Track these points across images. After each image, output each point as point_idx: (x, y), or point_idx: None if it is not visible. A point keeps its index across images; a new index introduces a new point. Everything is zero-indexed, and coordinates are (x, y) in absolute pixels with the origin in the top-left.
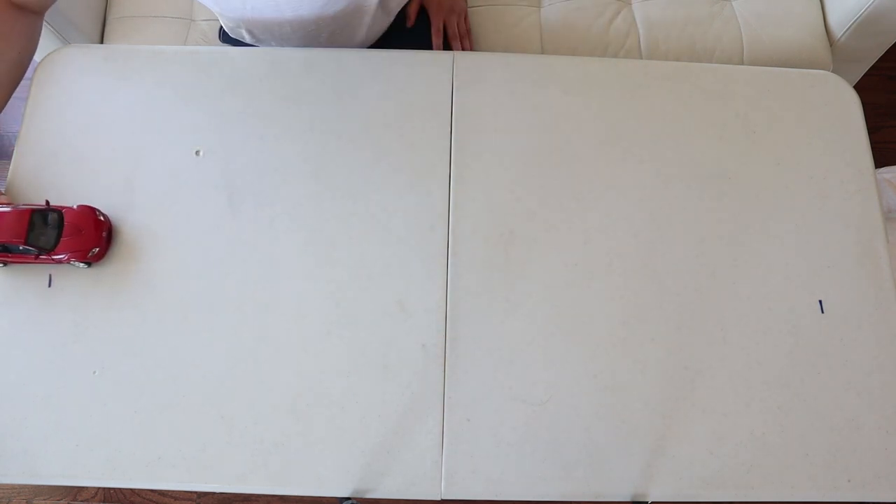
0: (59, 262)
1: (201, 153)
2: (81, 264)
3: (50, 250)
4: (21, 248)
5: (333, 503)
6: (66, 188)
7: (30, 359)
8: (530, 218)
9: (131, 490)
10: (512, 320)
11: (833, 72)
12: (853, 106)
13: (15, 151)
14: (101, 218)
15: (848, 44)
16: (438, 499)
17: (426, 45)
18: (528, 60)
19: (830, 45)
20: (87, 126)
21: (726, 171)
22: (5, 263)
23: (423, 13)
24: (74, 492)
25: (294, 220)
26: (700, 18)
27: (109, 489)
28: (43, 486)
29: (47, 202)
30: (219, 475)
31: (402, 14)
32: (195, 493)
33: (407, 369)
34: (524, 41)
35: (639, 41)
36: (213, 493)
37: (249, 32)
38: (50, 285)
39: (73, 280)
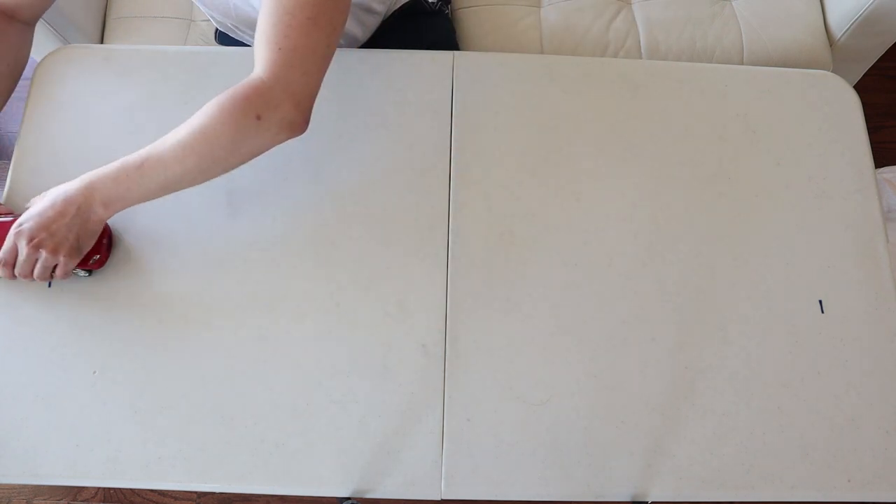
0: None
1: None
2: (82, 272)
3: None
4: None
5: (333, 503)
6: None
7: (30, 359)
8: (530, 218)
9: (131, 490)
10: (512, 320)
11: (833, 72)
12: (853, 106)
13: (15, 151)
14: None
15: (848, 44)
16: (438, 499)
17: (425, 45)
18: (528, 60)
19: (830, 45)
20: (87, 126)
21: (726, 171)
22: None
23: (419, 16)
24: (74, 492)
25: (294, 220)
26: (700, 18)
27: (109, 489)
28: (43, 486)
29: None
30: (219, 475)
31: (398, 15)
32: (195, 493)
33: (407, 369)
34: (524, 41)
35: (639, 41)
36: (213, 493)
37: (238, 28)
38: (50, 286)
39: (73, 282)
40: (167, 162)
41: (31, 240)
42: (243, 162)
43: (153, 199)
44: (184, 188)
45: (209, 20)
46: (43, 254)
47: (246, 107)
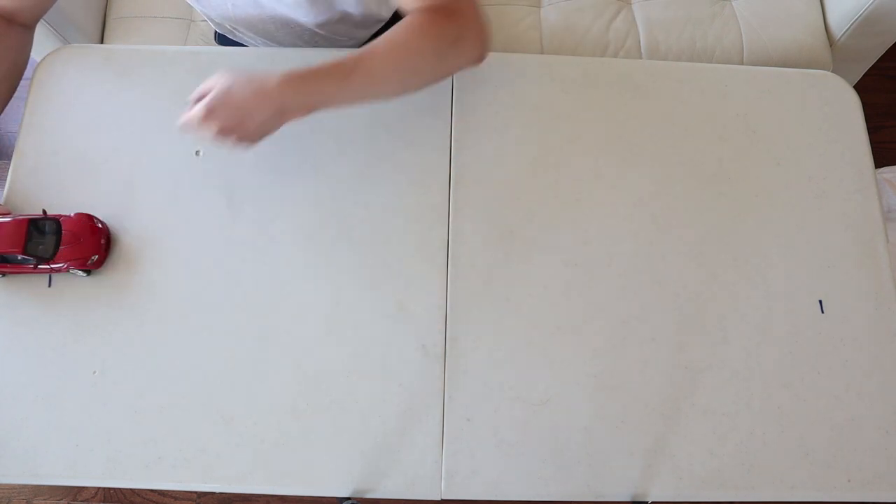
0: (58, 270)
1: (201, 153)
2: (81, 272)
3: (49, 259)
4: (19, 258)
5: (333, 503)
6: (67, 189)
7: (30, 359)
8: (530, 218)
9: (131, 490)
10: (512, 320)
11: (833, 72)
12: (853, 106)
13: (15, 151)
14: (99, 225)
15: (848, 44)
16: (438, 499)
17: None
18: (528, 60)
19: (830, 45)
20: (87, 126)
21: (726, 171)
22: (4, 274)
23: None
24: (74, 492)
25: (294, 220)
26: (700, 18)
27: (109, 489)
28: (43, 486)
29: (44, 211)
30: (219, 475)
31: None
32: (195, 493)
33: (407, 369)
34: (524, 41)
35: (639, 41)
36: (213, 493)
37: (236, 30)
38: (50, 285)
39: (73, 282)
40: (375, 75)
41: (222, 128)
42: (432, 84)
43: (346, 107)
44: (377, 101)
45: (208, 21)
46: (228, 141)
47: (445, 30)
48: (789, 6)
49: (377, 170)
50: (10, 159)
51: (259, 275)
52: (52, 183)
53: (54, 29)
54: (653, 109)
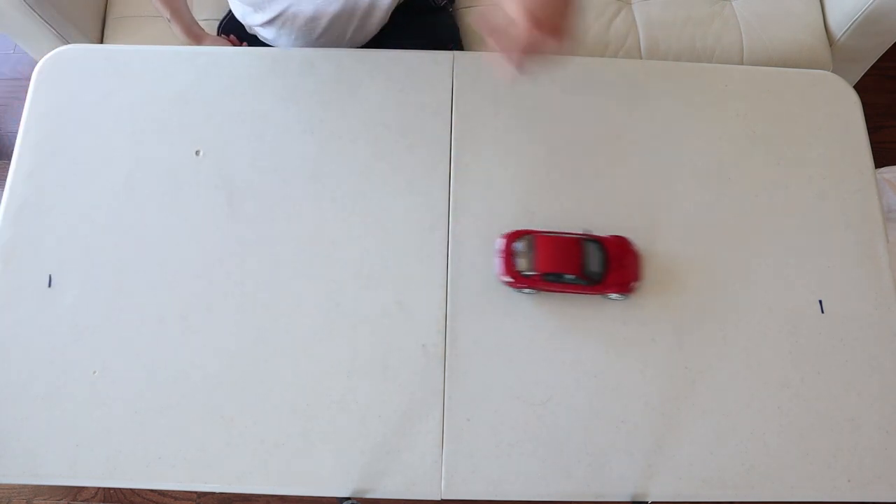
0: (601, 292)
1: (201, 153)
2: (618, 296)
3: (598, 282)
4: (573, 278)
5: (333, 503)
6: (67, 189)
7: (30, 359)
8: (530, 218)
9: (131, 490)
10: (512, 320)
11: (833, 72)
12: (853, 106)
13: (15, 151)
14: (635, 248)
15: (848, 44)
16: (438, 499)
17: (427, 45)
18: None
19: (830, 45)
20: (87, 126)
21: (726, 171)
22: (538, 290)
23: (425, 14)
24: (74, 492)
25: (294, 220)
26: (700, 18)
27: (109, 489)
28: (43, 486)
29: (588, 231)
30: (219, 475)
31: (405, 10)
32: (195, 493)
33: (407, 369)
34: None
35: (639, 41)
36: (213, 493)
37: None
38: (50, 285)
39: (74, 279)
40: None
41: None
42: None
43: None
44: None
45: (209, 20)
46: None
47: None
48: (789, 6)
49: (377, 170)
50: (10, 159)
51: (258, 274)
52: (52, 183)
53: (54, 29)
54: (653, 109)
